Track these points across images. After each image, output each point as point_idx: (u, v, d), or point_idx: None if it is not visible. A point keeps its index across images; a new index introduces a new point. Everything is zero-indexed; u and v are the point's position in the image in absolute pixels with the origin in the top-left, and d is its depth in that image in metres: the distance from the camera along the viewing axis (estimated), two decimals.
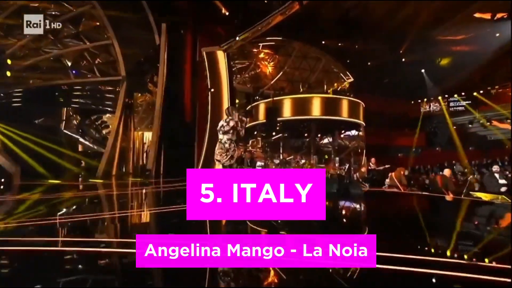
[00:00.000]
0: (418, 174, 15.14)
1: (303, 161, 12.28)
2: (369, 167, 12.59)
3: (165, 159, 11.03)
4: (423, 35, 16.45)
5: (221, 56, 13.15)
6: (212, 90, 12.70)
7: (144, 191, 6.20)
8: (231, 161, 4.16)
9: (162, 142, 11.51)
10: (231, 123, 4.16)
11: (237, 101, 14.23)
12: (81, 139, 14.44)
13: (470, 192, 7.01)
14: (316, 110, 10.82)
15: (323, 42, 16.09)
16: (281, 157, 13.24)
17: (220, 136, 4.21)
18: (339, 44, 16.35)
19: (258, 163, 11.76)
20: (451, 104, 16.77)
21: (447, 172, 7.48)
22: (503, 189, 7.39)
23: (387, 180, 9.78)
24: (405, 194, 6.30)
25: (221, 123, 4.27)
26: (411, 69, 16.79)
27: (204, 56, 13.06)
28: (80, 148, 14.43)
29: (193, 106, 13.29)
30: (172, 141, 11.60)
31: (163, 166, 11.75)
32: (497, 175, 7.79)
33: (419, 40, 16.50)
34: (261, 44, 14.81)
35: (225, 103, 12.76)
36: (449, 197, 6.69)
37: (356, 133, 16.34)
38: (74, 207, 4.20)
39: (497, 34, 15.79)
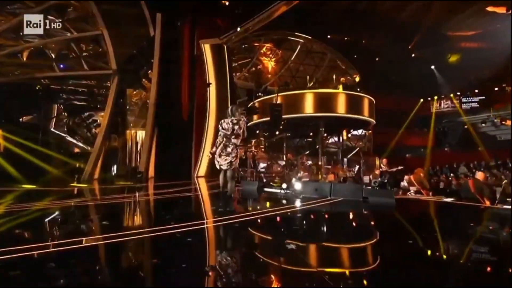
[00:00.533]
0: (430, 176, 14.28)
1: (309, 162, 11.40)
2: (381, 169, 11.73)
3: (160, 161, 10.07)
4: (433, 29, 15.64)
5: (221, 49, 12.23)
6: (211, 84, 11.77)
7: (133, 199, 5.20)
8: (228, 167, 3.74)
9: (157, 142, 10.52)
10: (242, 124, 3.76)
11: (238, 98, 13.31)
12: (69, 138, 13.45)
13: (508, 199, 6.10)
14: (324, 106, 9.91)
15: (329, 36, 15.23)
16: (285, 158, 12.36)
17: (226, 138, 3.78)
18: (345, 39, 15.51)
19: (261, 164, 10.84)
20: (464, 102, 15.92)
21: (480, 175, 6.56)
22: None
23: (402, 183, 8.93)
24: (441, 204, 5.35)
25: (227, 126, 3.77)
26: (420, 65, 15.96)
27: (202, 48, 12.14)
28: (76, 150, 13.45)
29: (191, 103, 12.32)
30: (167, 140, 10.64)
31: (158, 168, 10.77)
32: None
33: (429, 34, 15.67)
34: (263, 38, 13.90)
35: (226, 99, 11.83)
36: (485, 204, 5.80)
37: (364, 132, 15.51)
38: (37, 226, 3.21)
39: None
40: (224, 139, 3.77)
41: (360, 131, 15.78)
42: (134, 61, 11.12)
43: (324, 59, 14.45)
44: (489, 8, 15.12)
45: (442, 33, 16.07)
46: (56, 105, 13.58)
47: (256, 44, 14.49)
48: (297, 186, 5.11)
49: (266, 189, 5.91)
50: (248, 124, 13.13)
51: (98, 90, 12.00)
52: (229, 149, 3.72)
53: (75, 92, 11.55)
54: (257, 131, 13.64)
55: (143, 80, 13.09)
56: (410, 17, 14.95)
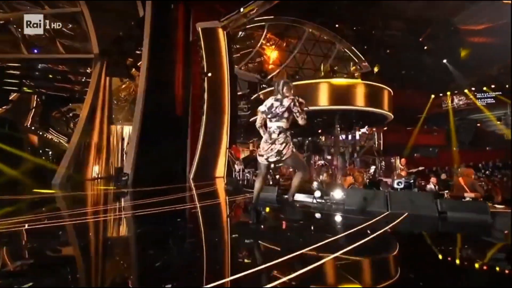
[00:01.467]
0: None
1: (321, 162, 10.10)
2: (399, 170, 10.58)
3: (149, 161, 8.59)
4: (447, 20, 14.70)
5: (220, 34, 10.80)
6: (209, 74, 10.33)
7: (108, 216, 3.60)
8: (278, 157, 2.67)
9: (146, 139, 9.01)
10: (286, 102, 2.64)
11: (238, 90, 11.88)
12: (46, 135, 11.73)
13: None
14: (341, 98, 8.66)
15: (337, 26, 14.02)
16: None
17: (269, 123, 2.75)
18: (354, 28, 14.34)
19: None
20: (478, 98, 14.99)
21: None
22: None
23: (429, 186, 7.79)
24: None
25: (271, 102, 2.74)
26: (432, 58, 14.97)
27: (199, 33, 10.68)
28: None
29: (186, 95, 10.84)
30: (158, 137, 9.16)
31: (148, 169, 9.24)
32: None
33: (442, 26, 14.70)
34: (266, 24, 12.51)
35: (225, 91, 10.41)
36: None
37: (374, 129, 14.37)
38: None
39: None
40: (269, 124, 2.72)
41: (366, 128, 14.66)
42: (120, 45, 9.55)
43: (333, 48, 13.18)
44: (504, 1, 14.26)
45: (454, 26, 15.16)
46: (33, 97, 11.86)
47: (259, 32, 13.10)
48: (337, 194, 3.78)
49: (287, 197, 4.55)
50: (251, 120, 11.84)
51: (76, 77, 10.35)
52: (274, 135, 2.63)
53: (48, 80, 9.87)
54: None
55: (133, 69, 11.50)
56: (422, 8, 13.94)
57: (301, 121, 2.63)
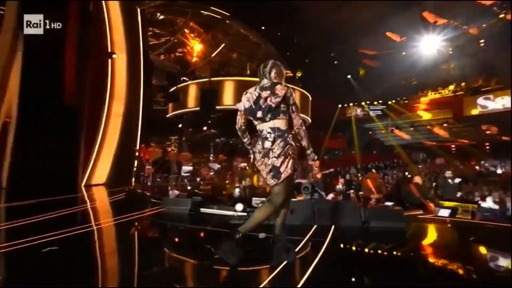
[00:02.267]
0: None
1: (244, 164, 9.73)
2: (314, 171, 11.41)
3: (18, 164, 6.15)
4: (353, 42, 17.09)
5: (132, 9, 8.93)
6: (115, 56, 8.35)
7: None
8: (274, 180, 1.80)
9: (19, 136, 6.47)
10: (280, 91, 1.78)
11: (155, 81, 10.22)
12: None
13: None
14: None
15: (263, 28, 14.16)
16: (211, 159, 10.34)
17: (258, 125, 1.86)
18: (279, 34, 14.86)
19: (186, 168, 8.38)
20: (371, 109, 18.19)
21: (419, 179, 6.63)
22: (458, 194, 7.25)
23: (338, 187, 8.57)
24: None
25: (255, 93, 1.84)
26: (341, 72, 17.23)
27: (102, 3, 8.52)
28: None
29: (80, 79, 8.43)
30: (34, 133, 6.74)
31: (21, 176, 6.62)
32: (450, 181, 7.65)
33: (349, 46, 16.99)
34: (190, 11, 11.29)
35: (136, 77, 8.66)
36: (430, 208, 5.66)
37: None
38: None
39: (403, 53, 17.99)
40: (258, 126, 1.85)
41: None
42: None
43: (259, 49, 13.20)
44: (388, 33, 17.75)
45: (356, 47, 17.83)
46: None
47: (181, 19, 11.71)
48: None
49: (205, 210, 3.77)
50: (168, 115, 10.42)
51: None
52: (267, 143, 1.75)
53: None
54: (180, 125, 11.05)
55: None
56: (337, 24, 15.74)
57: (297, 120, 1.83)
